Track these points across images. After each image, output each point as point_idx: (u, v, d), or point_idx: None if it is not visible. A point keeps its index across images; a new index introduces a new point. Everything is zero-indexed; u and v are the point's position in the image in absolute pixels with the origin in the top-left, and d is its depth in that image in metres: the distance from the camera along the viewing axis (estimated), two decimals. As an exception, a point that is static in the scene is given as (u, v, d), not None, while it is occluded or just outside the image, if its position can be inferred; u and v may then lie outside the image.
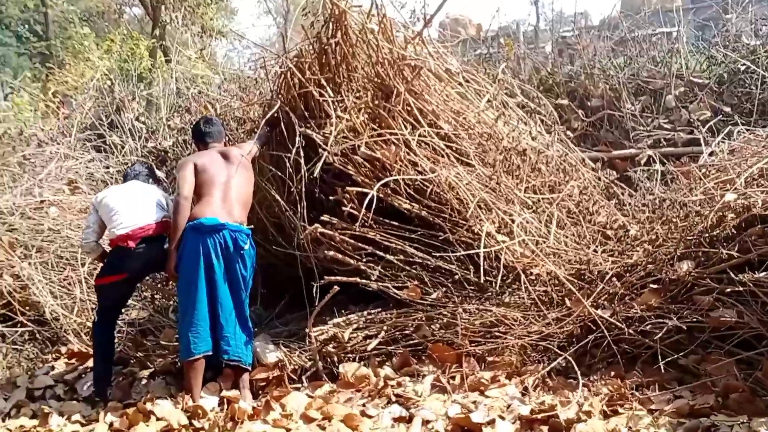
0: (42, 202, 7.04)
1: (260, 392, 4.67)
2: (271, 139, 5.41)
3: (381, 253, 4.92)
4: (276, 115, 5.32)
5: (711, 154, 6.02)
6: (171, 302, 6.28)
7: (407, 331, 4.80)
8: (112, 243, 4.83)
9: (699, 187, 5.21)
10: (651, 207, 5.92)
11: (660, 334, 4.11)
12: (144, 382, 5.05)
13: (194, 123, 5.37)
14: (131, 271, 4.82)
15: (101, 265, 5.04)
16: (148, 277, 6.08)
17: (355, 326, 4.92)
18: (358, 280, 4.78)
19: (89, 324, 5.85)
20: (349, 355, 4.77)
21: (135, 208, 4.81)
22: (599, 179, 6.52)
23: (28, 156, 7.99)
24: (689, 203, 5.17)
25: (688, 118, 7.61)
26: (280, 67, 5.70)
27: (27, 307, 5.98)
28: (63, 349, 5.77)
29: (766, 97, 7.48)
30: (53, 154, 8.25)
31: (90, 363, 5.26)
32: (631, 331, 4.25)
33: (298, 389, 4.58)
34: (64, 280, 6.28)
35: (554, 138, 6.17)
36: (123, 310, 5.36)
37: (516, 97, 6.49)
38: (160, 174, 8.75)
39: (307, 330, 4.76)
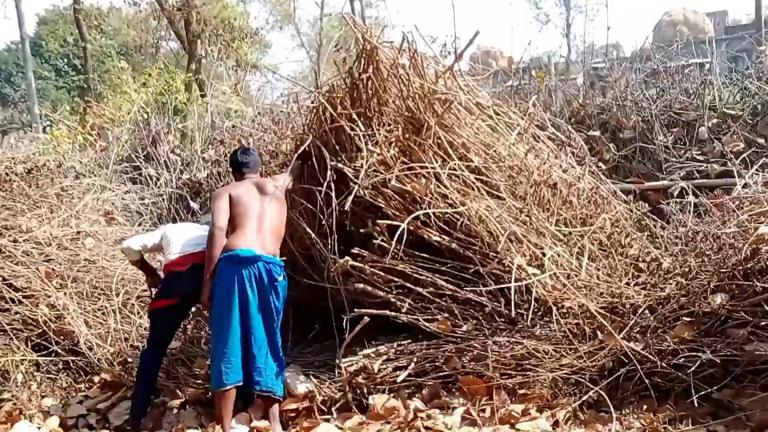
0: (78, 233, 7.16)
1: (290, 423, 4.68)
2: (302, 172, 5.47)
3: (411, 286, 4.93)
4: (308, 149, 5.38)
5: (744, 186, 5.97)
6: (203, 332, 6.33)
7: (437, 363, 4.78)
8: (165, 269, 5.00)
9: (732, 220, 5.18)
10: (684, 239, 5.88)
11: (693, 368, 4.07)
12: (175, 411, 5.08)
13: (232, 152, 5.45)
14: (182, 295, 4.91)
15: (154, 291, 5.26)
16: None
17: (385, 357, 4.90)
18: (387, 312, 4.78)
19: (122, 353, 5.94)
20: (379, 387, 4.73)
21: (188, 238, 5.03)
22: (631, 211, 6.48)
23: (66, 188, 8.13)
24: (723, 236, 5.14)
25: (721, 150, 7.57)
26: (312, 102, 5.78)
27: (62, 337, 6.02)
28: (96, 379, 5.80)
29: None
30: (90, 185, 8.41)
31: (122, 393, 5.33)
32: (663, 364, 4.21)
33: (327, 420, 4.57)
34: (98, 310, 6.35)
35: (586, 170, 6.16)
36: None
37: (547, 129, 6.50)
38: (194, 205, 8.89)
39: (337, 361, 4.77)
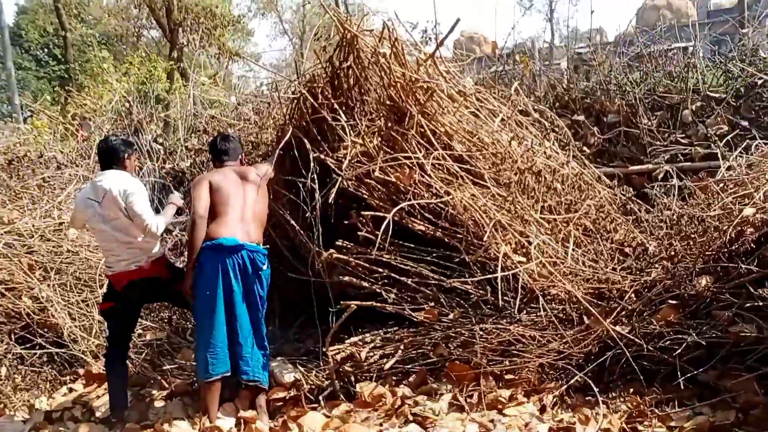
0: (61, 224, 7.07)
1: (277, 412, 4.67)
2: (284, 162, 5.42)
3: (397, 276, 4.91)
4: (289, 139, 5.33)
5: (728, 168, 5.99)
6: (188, 323, 6.30)
7: (424, 350, 4.78)
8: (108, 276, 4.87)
9: (717, 202, 5.20)
10: (669, 223, 5.89)
11: (679, 350, 4.11)
12: (161, 403, 5.05)
13: (211, 140, 5.32)
14: (126, 298, 4.81)
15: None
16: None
17: (371, 345, 4.91)
18: (374, 303, 4.75)
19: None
20: (366, 374, 4.75)
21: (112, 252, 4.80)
22: (616, 196, 6.49)
23: (48, 178, 8.05)
24: (707, 218, 5.16)
25: (705, 132, 7.57)
26: (293, 92, 5.72)
27: (45, 329, 5.97)
28: (81, 371, 5.77)
29: (783, 111, 7.45)
30: (72, 176, 8.32)
31: (106, 385, 5.31)
32: (650, 347, 4.23)
33: (315, 409, 4.56)
34: (83, 301, 6.29)
35: (569, 156, 6.16)
36: (137, 333, 5.35)
37: (530, 115, 6.48)
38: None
39: (323, 349, 4.76)
